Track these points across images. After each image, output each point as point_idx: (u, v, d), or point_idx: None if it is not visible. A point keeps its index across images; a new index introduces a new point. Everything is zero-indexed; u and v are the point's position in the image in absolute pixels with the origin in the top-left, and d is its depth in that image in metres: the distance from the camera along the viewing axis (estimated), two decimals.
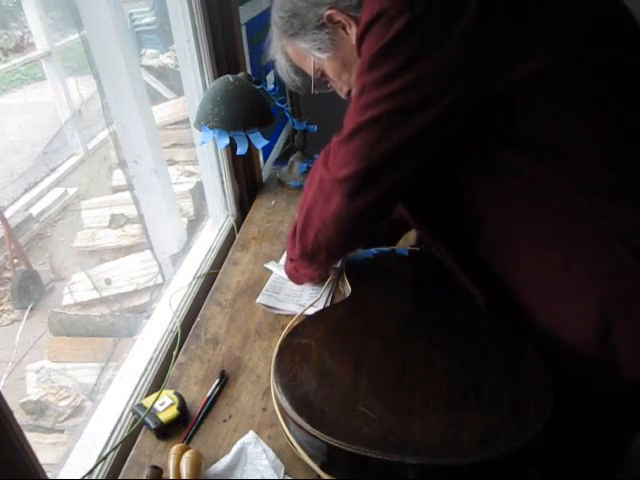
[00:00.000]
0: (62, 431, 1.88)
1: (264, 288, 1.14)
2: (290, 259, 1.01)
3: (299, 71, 0.96)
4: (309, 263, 0.96)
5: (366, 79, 0.70)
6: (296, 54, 0.91)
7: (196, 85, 1.37)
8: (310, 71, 0.91)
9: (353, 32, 0.79)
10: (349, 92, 0.92)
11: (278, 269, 1.20)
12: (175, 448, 0.77)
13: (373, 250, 1.12)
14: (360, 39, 0.71)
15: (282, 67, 0.96)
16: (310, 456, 0.73)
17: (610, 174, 0.71)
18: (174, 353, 1.01)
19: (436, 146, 0.74)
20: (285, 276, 1.17)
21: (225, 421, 0.85)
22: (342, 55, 0.83)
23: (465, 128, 0.72)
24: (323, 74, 0.90)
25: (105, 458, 0.85)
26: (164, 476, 0.76)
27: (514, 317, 0.85)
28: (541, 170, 0.72)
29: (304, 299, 1.09)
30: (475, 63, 0.66)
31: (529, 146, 0.72)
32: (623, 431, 0.88)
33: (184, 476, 0.73)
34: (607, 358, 0.77)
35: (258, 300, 1.09)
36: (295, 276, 1.05)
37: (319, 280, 1.11)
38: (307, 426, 0.70)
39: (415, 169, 0.75)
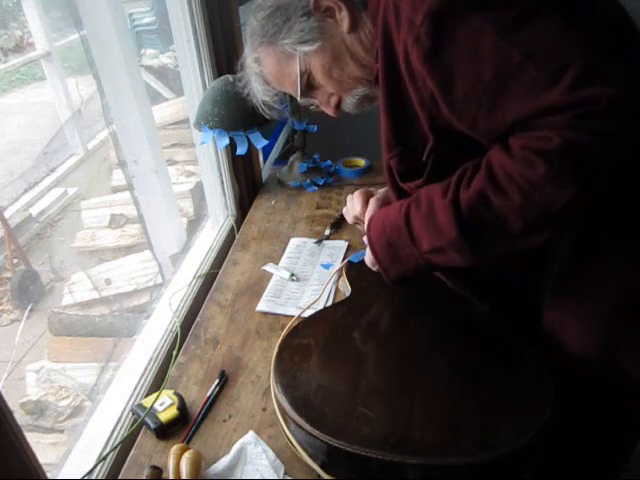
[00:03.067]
0: (62, 431, 1.88)
1: (265, 293, 1.13)
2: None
3: (280, 94, 0.88)
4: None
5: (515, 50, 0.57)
6: (276, 63, 0.80)
7: (196, 85, 1.37)
8: (293, 82, 0.81)
9: (344, 16, 0.72)
10: (338, 104, 0.83)
11: (277, 270, 1.20)
12: (175, 448, 0.77)
13: None
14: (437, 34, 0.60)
15: (257, 88, 0.87)
16: (310, 456, 0.73)
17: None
18: (174, 353, 1.01)
19: None
20: (285, 276, 1.17)
21: (225, 421, 0.85)
22: (332, 45, 0.75)
23: None
24: (309, 78, 0.80)
25: (105, 458, 0.85)
26: (164, 476, 0.76)
27: (518, 321, 0.84)
28: None
29: (304, 301, 1.09)
30: None
31: None
32: (625, 435, 0.87)
33: (184, 476, 0.73)
34: (611, 368, 0.75)
35: (258, 308, 1.09)
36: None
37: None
38: (307, 426, 0.70)
39: None
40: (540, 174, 0.56)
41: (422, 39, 0.60)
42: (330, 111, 0.85)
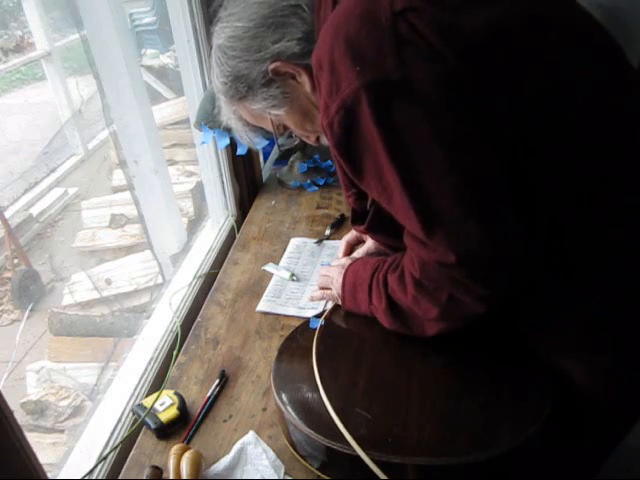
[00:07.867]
0: (62, 431, 1.89)
1: (265, 293, 1.13)
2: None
3: (259, 130, 0.89)
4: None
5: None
6: (251, 116, 0.83)
7: (196, 85, 1.37)
8: (270, 128, 0.84)
9: (305, 80, 0.73)
10: (317, 139, 0.86)
11: (277, 270, 1.20)
12: (175, 448, 0.77)
13: None
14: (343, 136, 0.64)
15: (240, 132, 0.89)
16: (309, 457, 0.74)
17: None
18: (174, 353, 1.01)
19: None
20: (286, 276, 1.17)
21: (225, 421, 0.85)
22: (299, 105, 0.77)
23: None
24: (285, 127, 0.84)
25: (105, 458, 0.85)
26: (164, 476, 0.76)
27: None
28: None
29: (304, 301, 1.09)
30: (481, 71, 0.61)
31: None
32: (612, 434, 0.87)
33: (184, 476, 0.73)
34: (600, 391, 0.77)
35: (258, 308, 1.09)
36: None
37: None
38: (305, 428, 0.71)
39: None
40: (411, 295, 0.73)
41: (334, 127, 0.64)
42: (311, 143, 0.88)
